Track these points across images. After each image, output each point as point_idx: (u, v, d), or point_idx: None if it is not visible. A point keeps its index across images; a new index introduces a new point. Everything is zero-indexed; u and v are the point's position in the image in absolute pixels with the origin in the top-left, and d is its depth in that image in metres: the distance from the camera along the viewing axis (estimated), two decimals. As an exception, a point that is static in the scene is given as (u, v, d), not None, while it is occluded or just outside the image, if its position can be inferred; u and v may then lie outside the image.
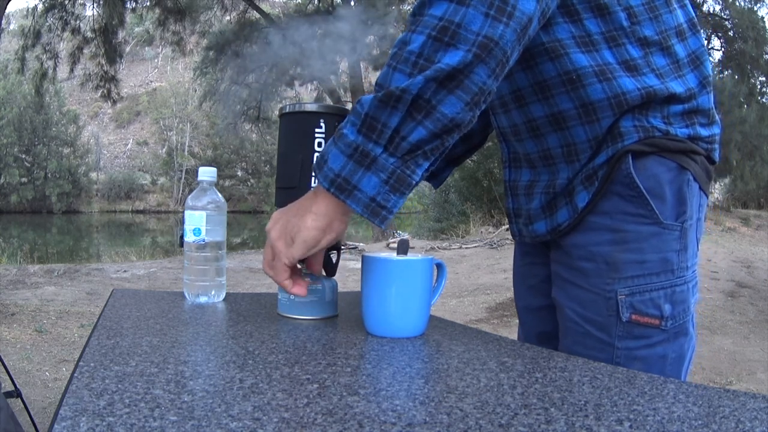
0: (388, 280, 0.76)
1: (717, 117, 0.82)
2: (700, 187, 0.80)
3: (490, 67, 0.62)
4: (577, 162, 0.81)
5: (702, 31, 0.83)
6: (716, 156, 0.82)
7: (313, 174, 0.70)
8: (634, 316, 0.76)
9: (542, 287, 0.94)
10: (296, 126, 0.84)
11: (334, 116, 0.83)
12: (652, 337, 0.76)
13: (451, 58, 0.60)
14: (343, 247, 0.92)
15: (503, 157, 0.95)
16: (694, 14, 0.82)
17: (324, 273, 0.87)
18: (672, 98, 0.77)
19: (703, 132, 0.80)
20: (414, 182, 0.64)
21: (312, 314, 0.86)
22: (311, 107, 0.84)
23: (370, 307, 0.77)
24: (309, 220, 0.67)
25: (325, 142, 0.83)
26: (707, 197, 0.83)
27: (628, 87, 0.75)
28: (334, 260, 0.88)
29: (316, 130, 0.83)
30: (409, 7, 12.94)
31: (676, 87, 0.77)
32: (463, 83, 0.61)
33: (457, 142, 1.07)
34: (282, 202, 0.86)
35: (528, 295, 0.99)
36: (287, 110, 0.85)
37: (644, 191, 0.75)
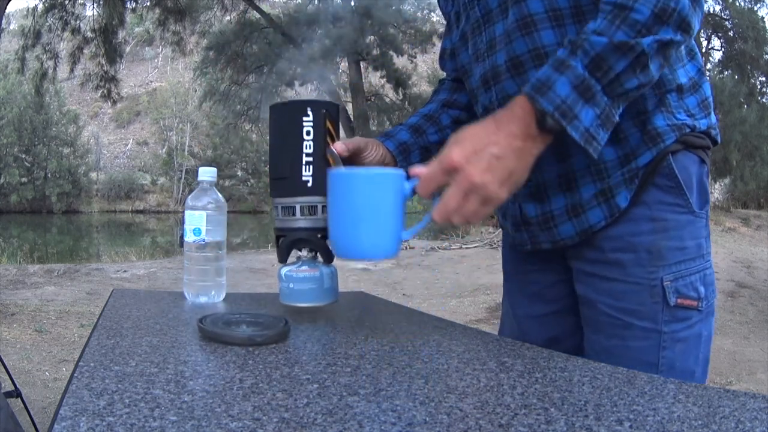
0: (353, 194, 0.71)
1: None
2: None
3: (680, 46, 0.71)
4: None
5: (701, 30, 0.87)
6: (719, 138, 0.88)
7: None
8: (679, 300, 0.80)
9: (546, 293, 0.94)
10: (285, 116, 0.85)
11: (320, 104, 0.84)
12: (692, 318, 0.81)
13: (666, 33, 0.68)
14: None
15: None
16: None
17: (323, 260, 0.88)
18: (680, 89, 0.81)
19: (713, 119, 0.86)
20: (615, 123, 0.70)
21: (313, 301, 0.85)
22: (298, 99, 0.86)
23: (337, 226, 0.73)
24: (525, 144, 0.68)
25: (314, 130, 0.83)
26: None
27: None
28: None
29: (304, 118, 0.83)
30: (409, 7, 12.93)
31: (681, 77, 0.81)
32: (667, 53, 0.70)
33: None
34: (276, 192, 0.86)
35: (529, 303, 0.97)
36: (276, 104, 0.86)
37: (682, 182, 0.80)
